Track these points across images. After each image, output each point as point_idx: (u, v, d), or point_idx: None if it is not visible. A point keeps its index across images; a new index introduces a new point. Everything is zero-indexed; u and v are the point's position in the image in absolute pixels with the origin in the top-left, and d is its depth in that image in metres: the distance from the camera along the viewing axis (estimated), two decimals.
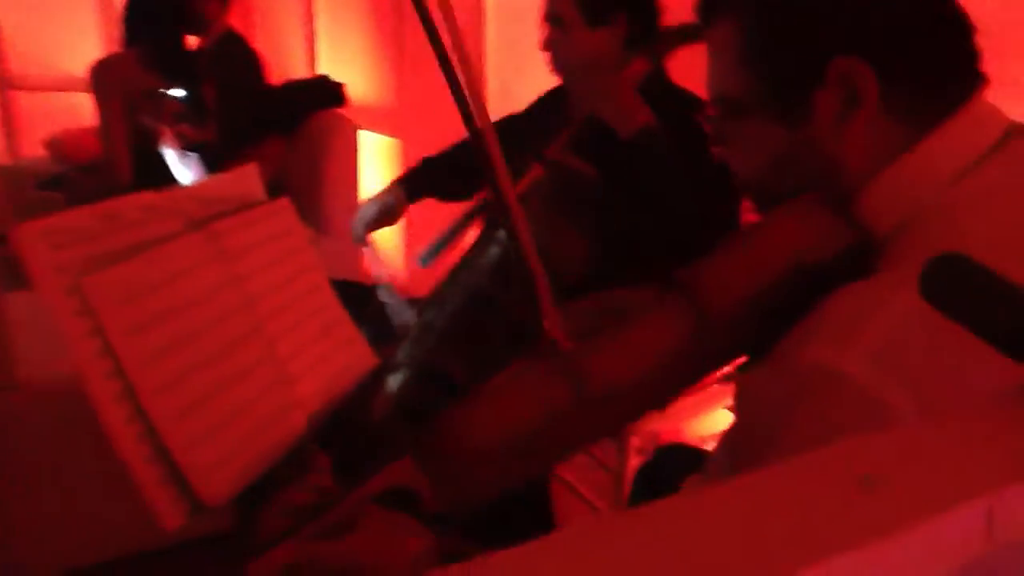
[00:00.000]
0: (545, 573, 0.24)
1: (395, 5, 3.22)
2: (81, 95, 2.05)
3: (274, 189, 1.02)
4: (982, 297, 0.37)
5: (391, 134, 3.39)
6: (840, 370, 0.58)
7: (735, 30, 0.73)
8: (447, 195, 1.97)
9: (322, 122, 2.86)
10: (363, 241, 1.92)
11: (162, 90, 2.31)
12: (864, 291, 0.62)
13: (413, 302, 1.68)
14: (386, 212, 1.92)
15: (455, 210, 1.88)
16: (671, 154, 1.48)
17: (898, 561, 0.24)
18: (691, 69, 1.45)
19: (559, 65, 1.73)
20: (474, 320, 1.54)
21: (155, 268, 0.80)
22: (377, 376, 1.50)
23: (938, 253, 0.40)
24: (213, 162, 2.39)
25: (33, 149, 3.22)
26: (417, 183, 1.99)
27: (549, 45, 1.71)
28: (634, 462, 1.71)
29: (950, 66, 0.69)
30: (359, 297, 1.41)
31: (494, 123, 1.93)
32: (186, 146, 2.34)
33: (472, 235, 1.78)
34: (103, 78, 1.93)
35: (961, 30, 0.70)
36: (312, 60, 3.83)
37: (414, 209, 2.01)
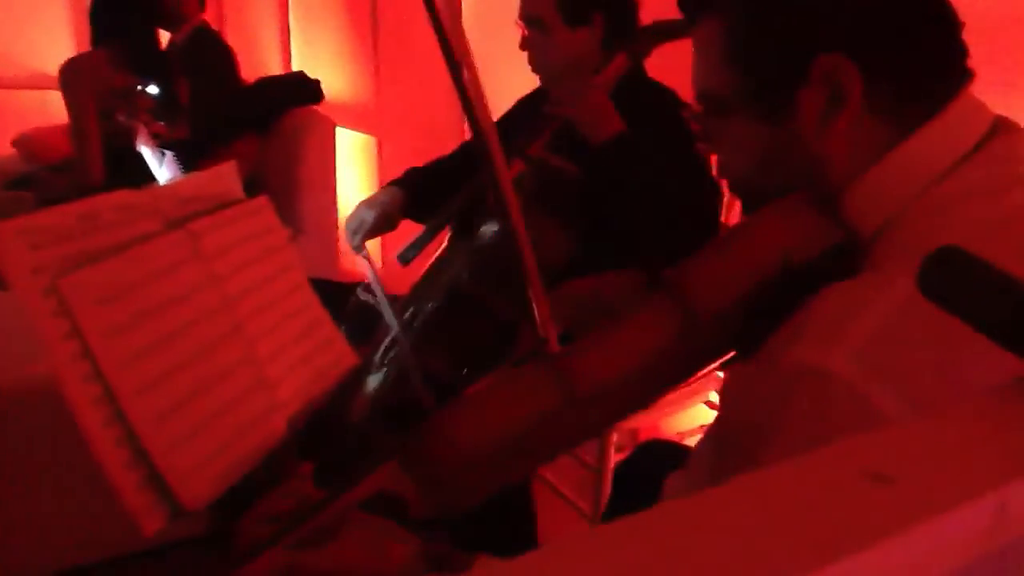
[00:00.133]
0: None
1: (370, 0, 3.20)
2: (50, 93, 2.02)
3: (250, 187, 1.01)
4: (982, 290, 0.36)
5: (368, 131, 3.38)
6: (826, 369, 0.58)
7: (720, 28, 0.73)
8: (439, 199, 1.87)
9: (298, 119, 2.84)
10: (361, 250, 1.81)
11: (138, 87, 2.28)
12: (850, 290, 0.62)
13: (391, 300, 1.66)
14: (385, 219, 1.83)
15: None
16: (647, 155, 1.48)
17: (908, 559, 0.24)
18: (671, 66, 1.45)
19: (538, 66, 1.72)
20: (455, 318, 1.53)
21: (133, 268, 0.79)
22: (357, 376, 1.49)
23: (923, 252, 0.39)
24: (189, 160, 2.36)
25: (1, 147, 3.17)
26: (416, 179, 1.92)
27: (527, 46, 1.70)
28: (614, 459, 1.71)
29: (935, 64, 0.69)
30: (337, 296, 1.40)
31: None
32: (161, 144, 2.31)
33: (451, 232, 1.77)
34: (73, 78, 1.90)
35: (947, 27, 0.70)
36: (287, 57, 3.80)
37: None
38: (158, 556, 0.76)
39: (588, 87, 1.51)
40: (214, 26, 3.02)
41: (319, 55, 3.58)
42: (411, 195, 1.87)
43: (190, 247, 0.86)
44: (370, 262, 1.73)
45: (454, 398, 0.68)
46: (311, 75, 2.95)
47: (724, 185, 1.53)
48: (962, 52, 0.70)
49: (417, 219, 1.87)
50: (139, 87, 2.29)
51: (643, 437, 1.78)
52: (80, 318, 0.72)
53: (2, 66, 3.79)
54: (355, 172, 3.45)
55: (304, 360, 0.97)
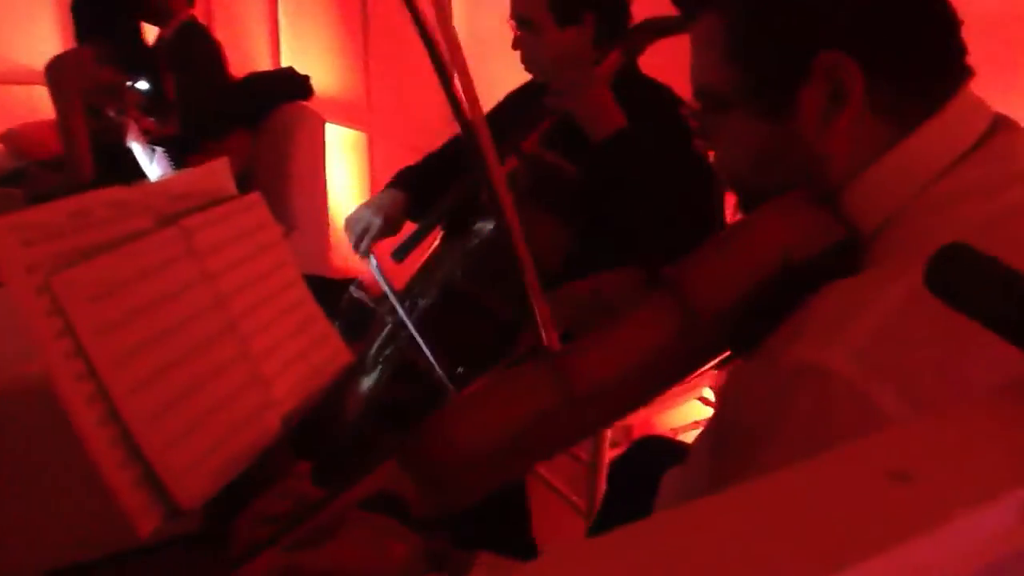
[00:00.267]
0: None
1: None
2: (38, 88, 2.00)
3: (240, 183, 1.00)
4: (990, 287, 0.36)
5: (358, 127, 3.36)
6: (827, 368, 0.58)
7: (719, 25, 0.73)
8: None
9: (288, 115, 2.82)
10: (368, 255, 1.81)
11: (128, 83, 2.26)
12: (850, 288, 0.62)
13: (386, 298, 1.65)
14: (390, 225, 1.82)
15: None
16: (647, 152, 1.48)
17: (933, 559, 0.24)
18: (665, 62, 1.45)
19: (530, 65, 1.71)
20: (448, 315, 1.53)
21: (126, 265, 0.78)
22: (351, 374, 1.49)
23: (923, 250, 0.39)
24: (179, 156, 2.35)
25: None
26: (416, 181, 1.89)
27: (518, 45, 1.70)
28: (608, 454, 1.71)
29: (935, 62, 0.69)
30: (329, 293, 1.39)
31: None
32: (151, 140, 2.29)
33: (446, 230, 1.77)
34: (59, 75, 1.88)
35: (947, 25, 0.70)
36: (276, 52, 3.78)
37: None
38: (153, 553, 0.76)
39: (591, 79, 1.50)
40: (203, 21, 3.00)
41: (309, 50, 3.56)
42: (413, 197, 1.86)
43: (183, 244, 0.86)
44: (378, 265, 1.72)
45: (450, 398, 0.68)
46: (301, 71, 2.94)
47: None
48: (961, 50, 0.70)
49: (419, 219, 1.87)
50: (128, 83, 2.27)
51: (637, 433, 1.78)
52: (73, 316, 0.71)
53: None
54: (345, 168, 3.43)
55: (299, 357, 0.97)
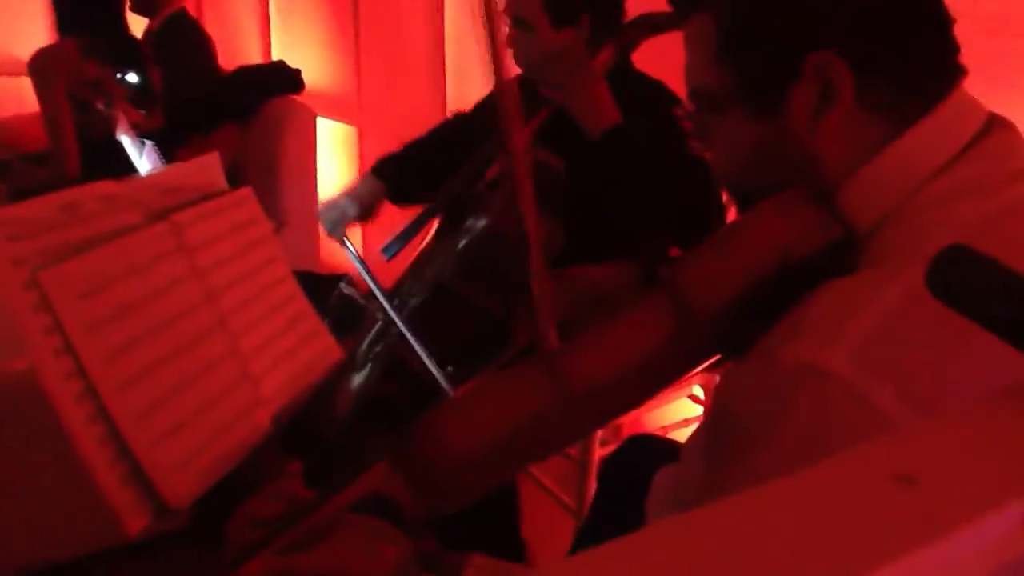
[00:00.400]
0: None
1: None
2: (24, 79, 1.97)
3: (230, 178, 0.99)
4: (991, 288, 0.36)
5: (348, 121, 3.35)
6: (825, 368, 0.57)
7: (711, 25, 0.72)
8: (419, 187, 1.89)
9: (278, 109, 2.80)
10: (343, 239, 1.85)
11: (117, 75, 2.24)
12: (848, 288, 0.62)
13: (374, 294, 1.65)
14: (364, 212, 1.86)
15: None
16: (642, 147, 1.47)
17: (944, 563, 0.23)
18: (658, 59, 1.45)
19: (522, 63, 1.70)
20: (439, 313, 1.52)
21: (115, 261, 0.77)
22: (342, 371, 1.48)
23: (919, 249, 0.39)
24: (167, 149, 2.33)
25: None
26: (395, 170, 1.92)
27: (511, 43, 1.69)
28: (598, 453, 1.71)
29: (928, 61, 0.69)
30: (319, 289, 1.38)
31: (462, 115, 1.90)
32: (140, 133, 2.27)
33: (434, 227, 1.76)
34: (43, 69, 1.85)
35: (939, 24, 0.69)
36: (266, 46, 3.76)
37: None
38: (142, 550, 0.75)
39: (588, 73, 1.49)
40: (193, 14, 2.98)
41: (299, 44, 3.54)
42: (392, 184, 1.90)
43: (173, 239, 0.85)
44: (353, 250, 1.76)
45: (441, 396, 0.67)
46: (291, 64, 2.92)
47: None
48: (954, 49, 0.70)
49: (399, 205, 1.92)
50: (117, 75, 2.25)
51: (627, 431, 1.77)
52: (61, 312, 0.70)
53: None
54: (336, 162, 3.42)
55: (289, 354, 0.96)
